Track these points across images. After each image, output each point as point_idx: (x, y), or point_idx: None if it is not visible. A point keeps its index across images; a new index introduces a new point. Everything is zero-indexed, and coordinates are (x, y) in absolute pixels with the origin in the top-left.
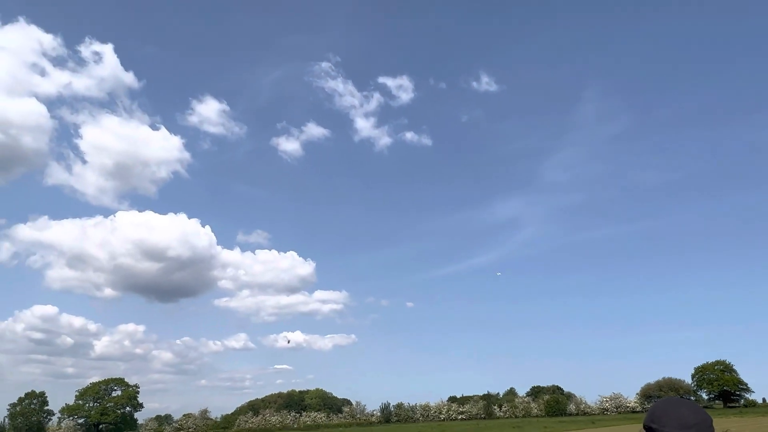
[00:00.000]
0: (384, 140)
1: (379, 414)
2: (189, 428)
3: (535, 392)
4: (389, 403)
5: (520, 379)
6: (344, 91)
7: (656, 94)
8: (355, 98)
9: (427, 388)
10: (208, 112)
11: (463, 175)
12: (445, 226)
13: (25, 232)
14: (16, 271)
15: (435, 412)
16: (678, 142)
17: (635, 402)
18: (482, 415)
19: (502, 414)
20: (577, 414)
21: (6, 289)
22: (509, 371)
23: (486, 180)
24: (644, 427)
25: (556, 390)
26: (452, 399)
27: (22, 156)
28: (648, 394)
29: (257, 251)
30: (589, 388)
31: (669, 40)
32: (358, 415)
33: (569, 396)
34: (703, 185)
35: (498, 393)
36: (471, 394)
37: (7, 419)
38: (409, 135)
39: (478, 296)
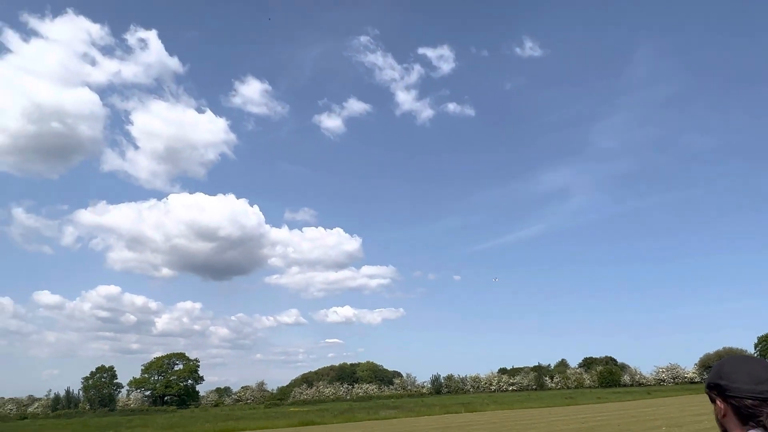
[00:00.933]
0: (426, 113)
1: (429, 385)
2: (247, 400)
3: (587, 363)
4: (439, 375)
5: (570, 350)
6: (384, 65)
7: (712, 52)
8: (396, 71)
9: (476, 359)
10: (251, 92)
11: (509, 144)
12: (491, 198)
13: (86, 216)
14: (81, 253)
15: (485, 383)
16: (735, 103)
17: (693, 372)
18: (533, 387)
19: (553, 385)
20: (632, 385)
21: (72, 270)
22: (559, 343)
23: (532, 149)
24: (710, 385)
25: (609, 361)
26: (502, 371)
27: (79, 144)
28: (707, 364)
29: (304, 229)
30: (644, 360)
31: None
32: (408, 387)
33: (623, 367)
34: (763, 148)
35: (549, 364)
36: (521, 366)
37: (81, 392)
38: (452, 106)
39: (526, 268)
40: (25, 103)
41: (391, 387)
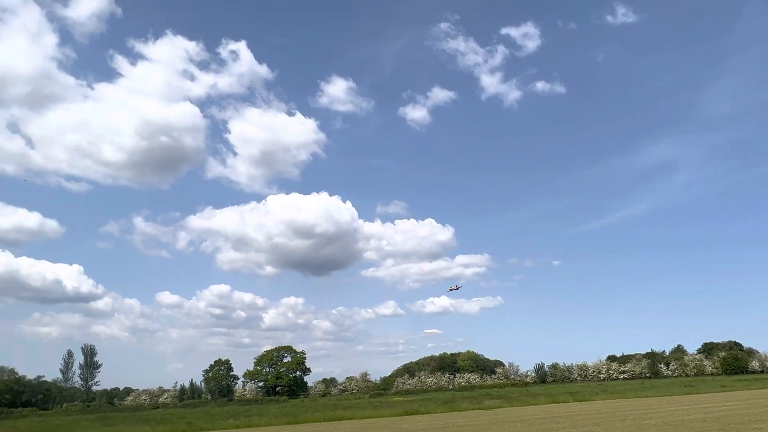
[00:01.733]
0: (513, 95)
1: (533, 374)
2: (352, 390)
3: (708, 349)
4: (543, 364)
5: (688, 335)
6: (466, 50)
7: None
8: (478, 55)
9: (582, 347)
10: (337, 91)
11: (604, 119)
12: (588, 178)
13: (196, 222)
14: (193, 256)
15: (593, 371)
16: None
17: None
18: (647, 375)
19: (669, 373)
20: (762, 372)
21: (187, 272)
22: (674, 327)
23: (631, 122)
24: None
25: (734, 346)
26: (611, 358)
27: (185, 155)
28: None
29: (396, 221)
30: None
31: None
32: (512, 376)
33: (750, 352)
34: None
35: (663, 351)
36: (633, 353)
37: (203, 383)
38: (540, 85)
39: (631, 249)
40: (137, 121)
41: (493, 376)
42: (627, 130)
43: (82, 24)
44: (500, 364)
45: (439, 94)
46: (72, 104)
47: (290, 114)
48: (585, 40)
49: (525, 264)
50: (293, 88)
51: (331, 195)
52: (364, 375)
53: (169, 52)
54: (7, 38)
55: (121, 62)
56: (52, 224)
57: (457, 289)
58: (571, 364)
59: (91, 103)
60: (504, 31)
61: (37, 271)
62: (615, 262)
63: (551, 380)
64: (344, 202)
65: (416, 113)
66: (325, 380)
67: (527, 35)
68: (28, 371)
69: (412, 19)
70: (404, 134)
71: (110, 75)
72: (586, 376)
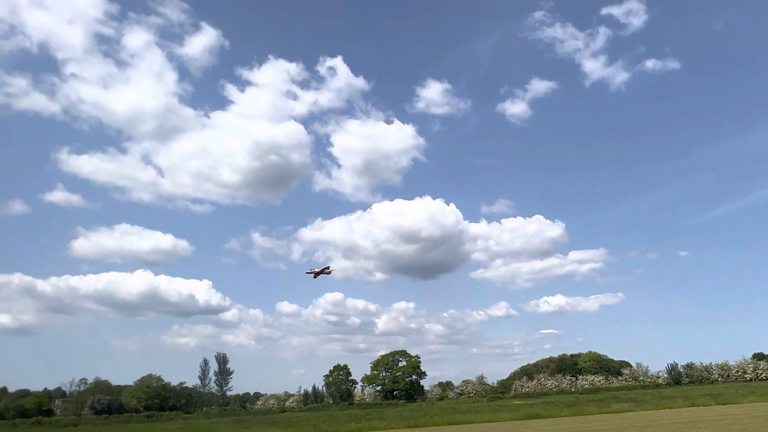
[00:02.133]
0: (619, 77)
1: (665, 375)
2: (469, 393)
3: None
4: (676, 364)
5: None
6: (564, 36)
7: None
8: (578, 40)
9: (719, 344)
10: (432, 94)
11: (728, 92)
12: (714, 158)
13: (307, 234)
14: (307, 266)
15: (737, 371)
16: None
17: None
18: None
19: None
20: None
21: (303, 282)
22: None
23: (761, 93)
24: None
25: None
26: (758, 356)
27: (293, 171)
28: None
29: (503, 220)
30: None
31: None
32: (641, 377)
33: None
34: None
35: None
36: None
37: (324, 388)
38: (650, 63)
39: None
40: (248, 143)
41: (619, 378)
42: (757, 101)
43: (197, 59)
44: (626, 364)
45: (539, 86)
46: (192, 133)
47: (388, 122)
48: (699, 8)
49: (647, 257)
50: (390, 96)
51: (434, 198)
52: (481, 378)
53: (273, 75)
54: (137, 80)
55: (231, 90)
56: (183, 244)
57: (320, 272)
58: (710, 364)
59: (208, 131)
60: (604, 11)
61: (173, 287)
62: (753, 248)
63: (687, 381)
64: (448, 204)
65: (515, 108)
66: (441, 384)
67: (631, 12)
68: (172, 378)
69: (504, 12)
70: (504, 131)
71: (223, 103)
72: (728, 376)
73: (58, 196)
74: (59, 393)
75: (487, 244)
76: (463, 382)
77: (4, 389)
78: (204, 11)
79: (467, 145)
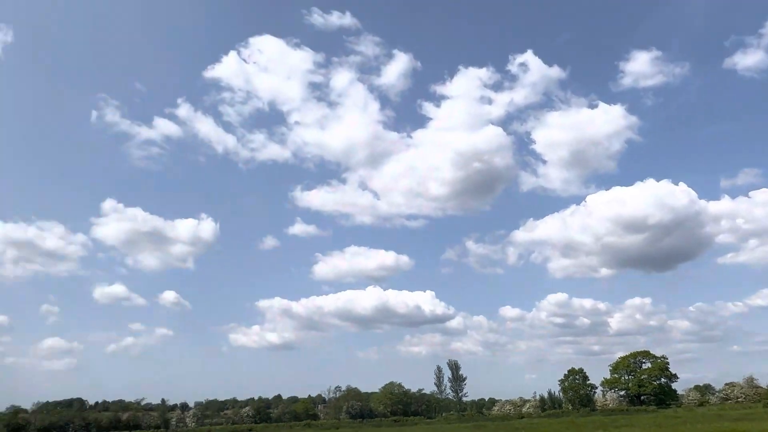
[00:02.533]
0: None
1: None
2: (737, 398)
3: None
4: None
5: None
6: None
7: None
8: None
9: None
10: (640, 66)
11: None
12: None
13: (520, 235)
14: (525, 268)
15: None
16: None
17: None
18: None
19: None
20: None
21: (523, 285)
22: None
23: None
24: None
25: None
26: None
27: (498, 175)
28: None
29: (750, 193)
30: None
31: None
32: None
33: None
34: None
35: None
36: None
37: (560, 393)
38: None
39: None
40: (451, 155)
41: None
42: None
43: (393, 85)
44: None
45: None
46: (399, 155)
47: (592, 106)
48: None
49: None
50: (590, 79)
51: (658, 181)
52: (750, 380)
53: (465, 84)
54: (346, 116)
55: (428, 107)
56: (404, 259)
57: None
58: None
59: (412, 149)
60: None
61: (401, 300)
62: None
63: None
64: (676, 184)
65: (748, 59)
66: (698, 387)
67: None
68: (410, 385)
69: None
70: (738, 88)
71: (422, 121)
72: None
73: (298, 228)
74: (320, 399)
75: (734, 224)
76: (726, 384)
77: (279, 396)
78: (394, 39)
79: (691, 114)
